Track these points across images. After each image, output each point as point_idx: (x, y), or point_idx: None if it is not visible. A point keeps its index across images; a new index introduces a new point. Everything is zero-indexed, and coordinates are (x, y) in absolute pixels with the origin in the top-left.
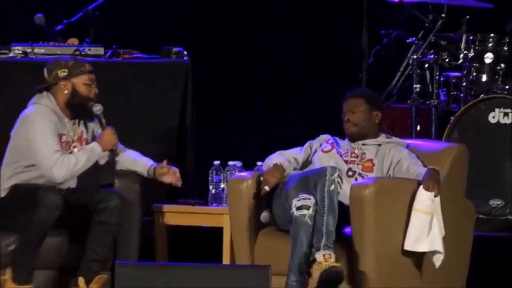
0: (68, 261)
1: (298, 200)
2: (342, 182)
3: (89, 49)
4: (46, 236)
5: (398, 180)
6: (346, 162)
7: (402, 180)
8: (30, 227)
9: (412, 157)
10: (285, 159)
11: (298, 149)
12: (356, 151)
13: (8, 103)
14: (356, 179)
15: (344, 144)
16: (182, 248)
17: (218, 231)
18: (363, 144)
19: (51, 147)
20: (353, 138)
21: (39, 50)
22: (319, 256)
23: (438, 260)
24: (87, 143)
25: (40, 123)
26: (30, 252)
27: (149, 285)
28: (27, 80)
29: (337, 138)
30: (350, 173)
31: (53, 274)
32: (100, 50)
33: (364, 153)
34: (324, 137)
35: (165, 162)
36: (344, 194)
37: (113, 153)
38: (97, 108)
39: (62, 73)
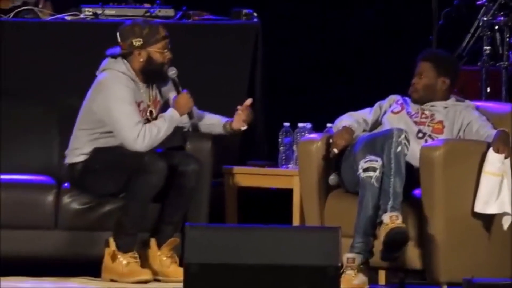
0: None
1: (365, 162)
2: (409, 143)
3: (159, 11)
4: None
5: (468, 141)
6: (416, 123)
7: (472, 141)
8: (142, 193)
9: (482, 119)
10: (354, 120)
11: (367, 109)
12: (426, 112)
13: (78, 64)
14: (426, 140)
15: (414, 104)
16: (252, 209)
17: (288, 192)
18: (431, 106)
19: (133, 118)
20: (416, 102)
21: (110, 11)
22: (386, 217)
23: (506, 222)
24: (160, 106)
25: (119, 92)
26: (140, 219)
27: (219, 247)
28: (97, 42)
29: (407, 98)
30: (420, 135)
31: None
32: (170, 12)
33: (434, 114)
34: (393, 97)
35: (249, 100)
36: (414, 155)
37: (189, 116)
38: (172, 72)
39: (137, 42)
